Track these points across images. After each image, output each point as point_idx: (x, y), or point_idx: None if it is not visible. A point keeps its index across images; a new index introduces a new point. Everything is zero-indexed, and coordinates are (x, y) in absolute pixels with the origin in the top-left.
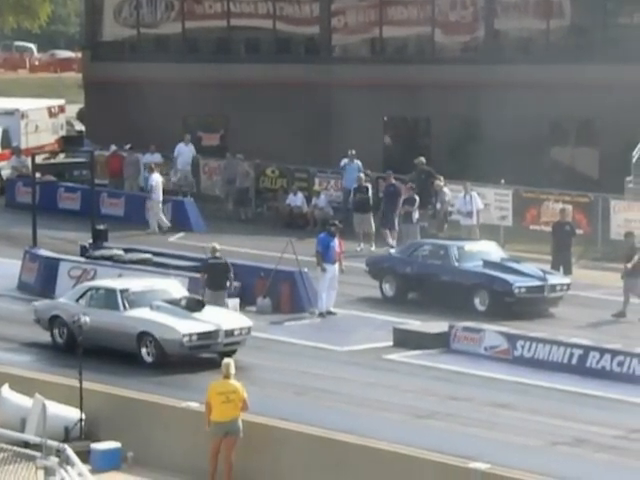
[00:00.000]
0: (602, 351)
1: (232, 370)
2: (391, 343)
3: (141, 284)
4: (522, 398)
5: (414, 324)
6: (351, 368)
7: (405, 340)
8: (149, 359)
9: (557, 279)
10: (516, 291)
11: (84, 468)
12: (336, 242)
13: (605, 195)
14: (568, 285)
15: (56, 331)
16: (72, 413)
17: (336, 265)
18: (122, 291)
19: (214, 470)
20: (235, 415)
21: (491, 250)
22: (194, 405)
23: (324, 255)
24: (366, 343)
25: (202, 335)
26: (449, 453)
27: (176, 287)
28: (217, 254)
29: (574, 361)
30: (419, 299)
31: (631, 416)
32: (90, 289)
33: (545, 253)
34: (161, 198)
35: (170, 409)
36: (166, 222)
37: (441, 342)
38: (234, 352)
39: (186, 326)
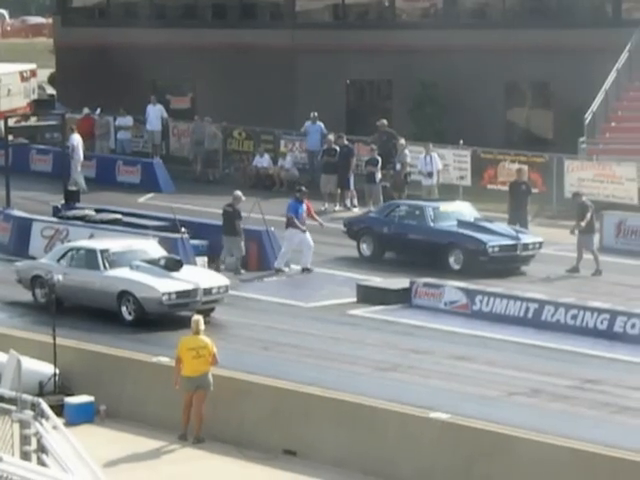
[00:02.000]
0: (556, 305)
1: (201, 326)
2: (355, 299)
3: (121, 244)
4: (480, 351)
5: (377, 281)
6: (316, 323)
7: (368, 296)
8: (129, 317)
9: (530, 238)
10: (490, 250)
11: (58, 421)
12: (304, 207)
13: (559, 155)
14: (540, 244)
15: (38, 291)
16: (46, 368)
17: (303, 227)
18: (102, 251)
19: (186, 422)
20: (205, 370)
21: (465, 210)
22: (164, 360)
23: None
24: (331, 299)
25: (181, 293)
26: (410, 404)
27: (155, 247)
28: (235, 203)
29: (530, 315)
30: (396, 259)
31: (584, 367)
32: (71, 249)
33: (502, 212)
34: (82, 158)
35: (141, 364)
36: (83, 184)
37: (403, 298)
38: (212, 310)
39: (165, 285)
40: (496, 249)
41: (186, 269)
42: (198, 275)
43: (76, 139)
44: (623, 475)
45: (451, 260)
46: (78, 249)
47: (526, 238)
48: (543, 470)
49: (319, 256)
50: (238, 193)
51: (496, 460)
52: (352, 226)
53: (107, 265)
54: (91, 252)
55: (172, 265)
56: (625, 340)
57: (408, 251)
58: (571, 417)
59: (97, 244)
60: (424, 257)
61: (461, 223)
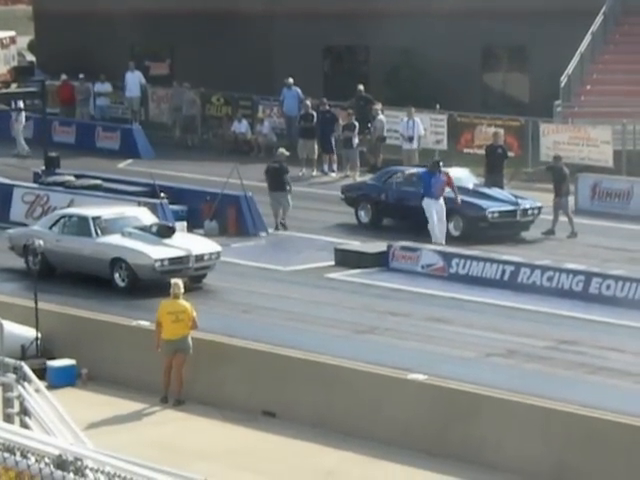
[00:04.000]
0: (532, 267)
1: (181, 290)
2: (333, 263)
3: (113, 211)
4: (457, 313)
5: (354, 244)
6: (295, 287)
7: (346, 260)
8: (122, 284)
9: (529, 204)
10: (489, 216)
11: (40, 384)
12: (439, 178)
13: (535, 119)
14: (540, 209)
15: (30, 258)
16: (28, 332)
17: (440, 200)
18: (94, 218)
19: (167, 385)
20: (184, 333)
21: (463, 176)
22: (144, 323)
23: (425, 191)
24: (309, 263)
25: (173, 260)
26: (388, 365)
27: (146, 214)
28: (281, 159)
29: (506, 277)
30: (394, 225)
31: (560, 328)
32: (63, 217)
33: (479, 175)
34: (24, 122)
35: (122, 327)
36: (26, 148)
37: (380, 261)
38: (204, 276)
39: (158, 251)
40: (496, 215)
41: (178, 236)
42: (190, 241)
43: (20, 103)
44: (598, 435)
45: (450, 226)
46: (70, 216)
47: (525, 204)
48: (519, 430)
49: (317, 223)
50: (282, 150)
51: (473, 420)
52: (350, 193)
53: (99, 232)
54: (83, 219)
55: (164, 232)
56: (600, 301)
57: (406, 218)
58: (547, 377)
59: (89, 211)
60: (423, 224)
61: (460, 189)
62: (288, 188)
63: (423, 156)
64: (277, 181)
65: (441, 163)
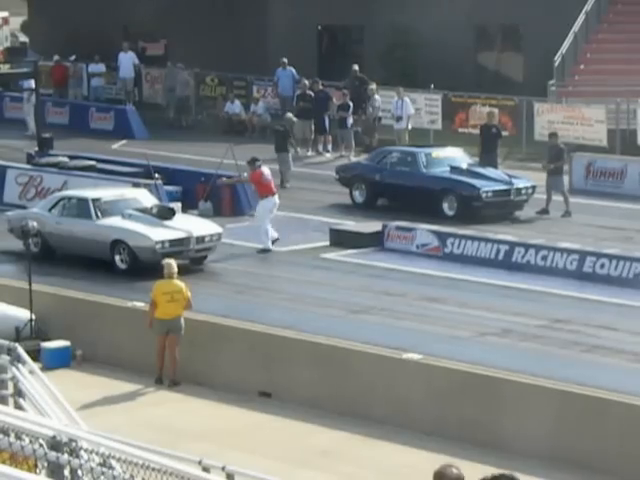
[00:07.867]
0: (527, 246)
1: (174, 269)
2: (328, 243)
3: (112, 193)
4: (452, 292)
5: (349, 224)
6: (290, 267)
7: (341, 240)
8: (123, 266)
9: (523, 183)
10: (483, 195)
11: (35, 366)
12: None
13: (529, 98)
14: (534, 188)
15: (30, 240)
16: (22, 314)
17: (263, 199)
18: (94, 200)
19: (161, 365)
20: (178, 314)
21: (458, 156)
22: (140, 305)
23: None
24: (304, 243)
25: (174, 242)
26: (384, 345)
27: (146, 196)
28: (287, 124)
29: (500, 256)
30: (389, 205)
31: (554, 307)
32: (62, 199)
33: (473, 154)
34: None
35: (117, 308)
36: (34, 128)
37: (375, 241)
38: (205, 258)
39: (158, 233)
40: (490, 194)
41: (178, 217)
42: (191, 223)
43: (31, 84)
44: (593, 412)
45: (445, 206)
46: (70, 198)
47: (519, 183)
48: (514, 408)
49: (312, 203)
50: (290, 115)
51: (468, 399)
52: (344, 173)
53: (99, 214)
54: (83, 201)
55: (165, 213)
56: (594, 280)
57: (401, 198)
58: (542, 356)
59: (89, 193)
60: (417, 204)
61: (454, 169)
62: (292, 150)
63: (416, 135)
64: (279, 143)
65: (258, 162)
